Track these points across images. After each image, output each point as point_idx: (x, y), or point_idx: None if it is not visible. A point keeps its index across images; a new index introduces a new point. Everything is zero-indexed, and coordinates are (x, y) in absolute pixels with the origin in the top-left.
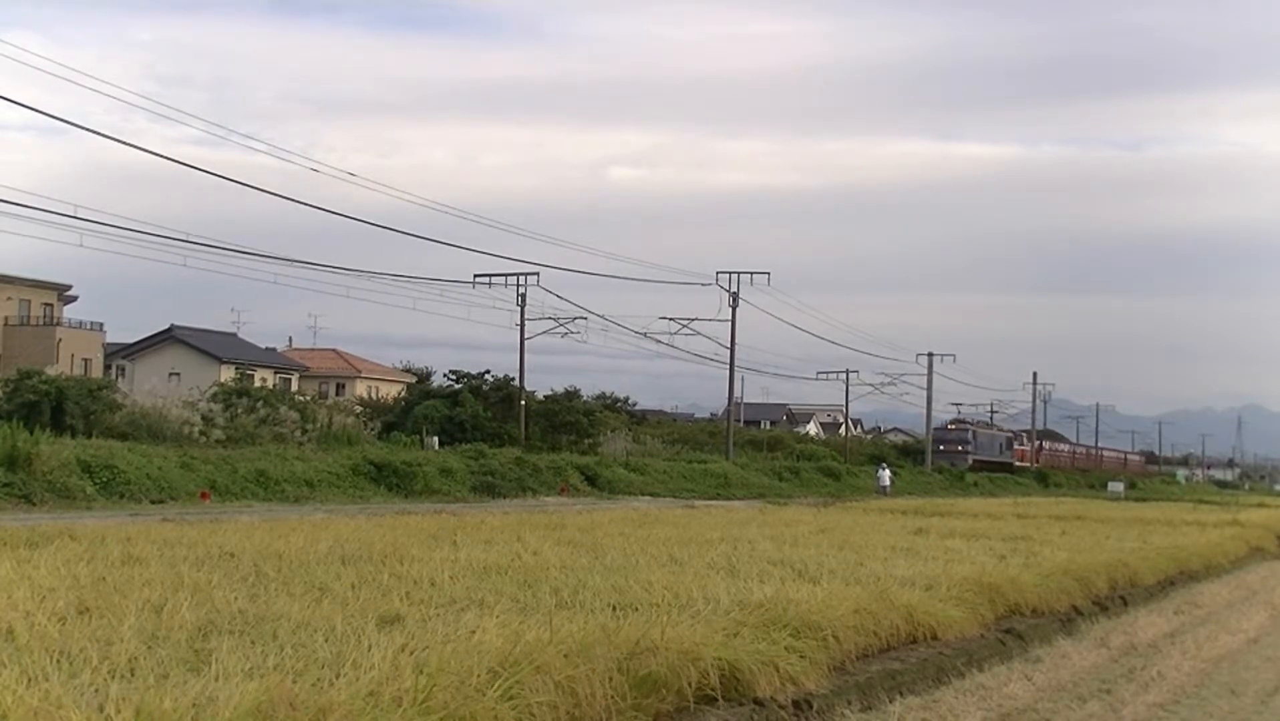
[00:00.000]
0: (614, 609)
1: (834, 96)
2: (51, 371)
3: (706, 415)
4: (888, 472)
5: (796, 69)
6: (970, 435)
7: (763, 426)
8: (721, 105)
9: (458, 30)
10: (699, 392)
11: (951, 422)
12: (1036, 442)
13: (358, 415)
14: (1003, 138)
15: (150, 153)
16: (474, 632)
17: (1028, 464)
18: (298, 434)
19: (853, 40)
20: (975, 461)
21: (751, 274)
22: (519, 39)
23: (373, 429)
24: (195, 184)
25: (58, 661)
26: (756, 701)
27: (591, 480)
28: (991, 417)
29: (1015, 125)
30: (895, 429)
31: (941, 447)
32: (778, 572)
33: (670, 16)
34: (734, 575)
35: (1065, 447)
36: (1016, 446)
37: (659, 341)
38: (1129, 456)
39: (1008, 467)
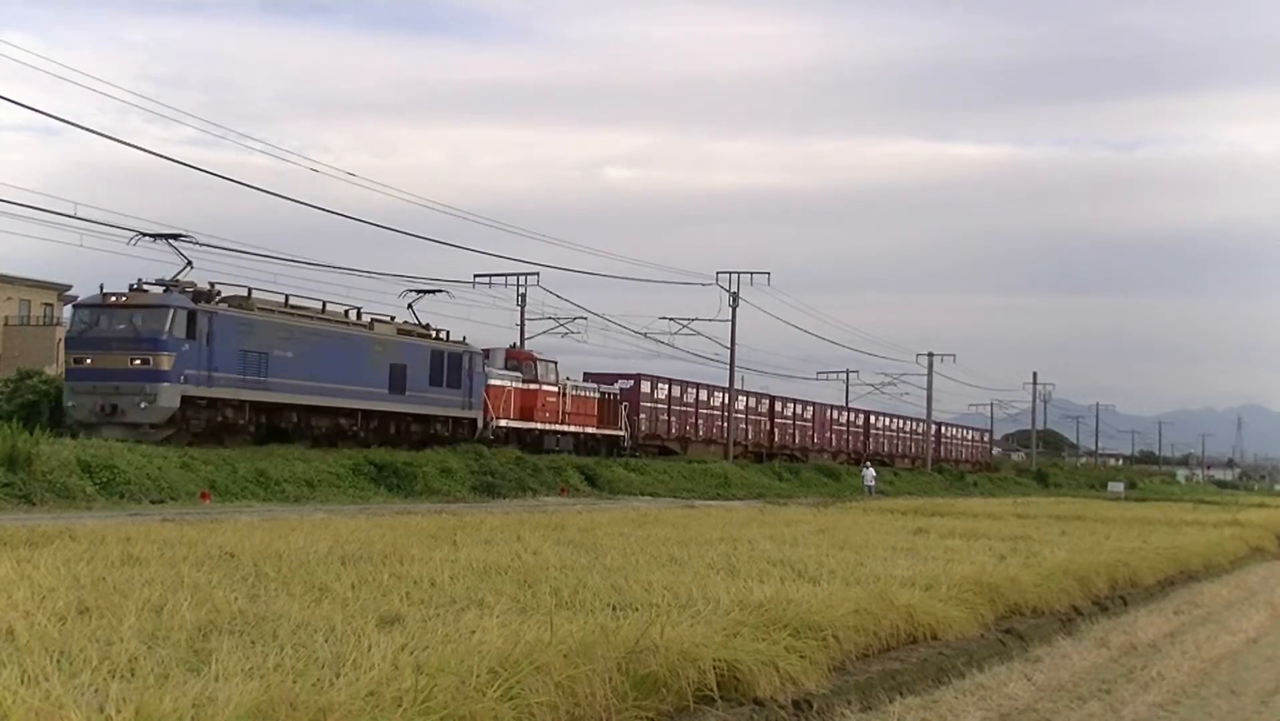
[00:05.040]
0: (614, 609)
1: (828, 98)
2: (51, 371)
3: None
4: (872, 471)
5: (790, 70)
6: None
7: None
8: (716, 106)
9: (451, 31)
10: None
11: (122, 295)
12: (621, 384)
13: None
14: (997, 138)
15: (150, 152)
16: (474, 632)
17: (563, 428)
18: None
19: (847, 42)
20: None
21: (751, 274)
22: (511, 40)
23: None
24: (193, 184)
25: (58, 661)
26: (756, 701)
27: (591, 480)
28: (992, 419)
29: (1010, 126)
30: None
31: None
32: (777, 572)
33: (663, 18)
34: (734, 575)
35: (710, 398)
36: (508, 383)
37: (659, 341)
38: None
39: (446, 436)
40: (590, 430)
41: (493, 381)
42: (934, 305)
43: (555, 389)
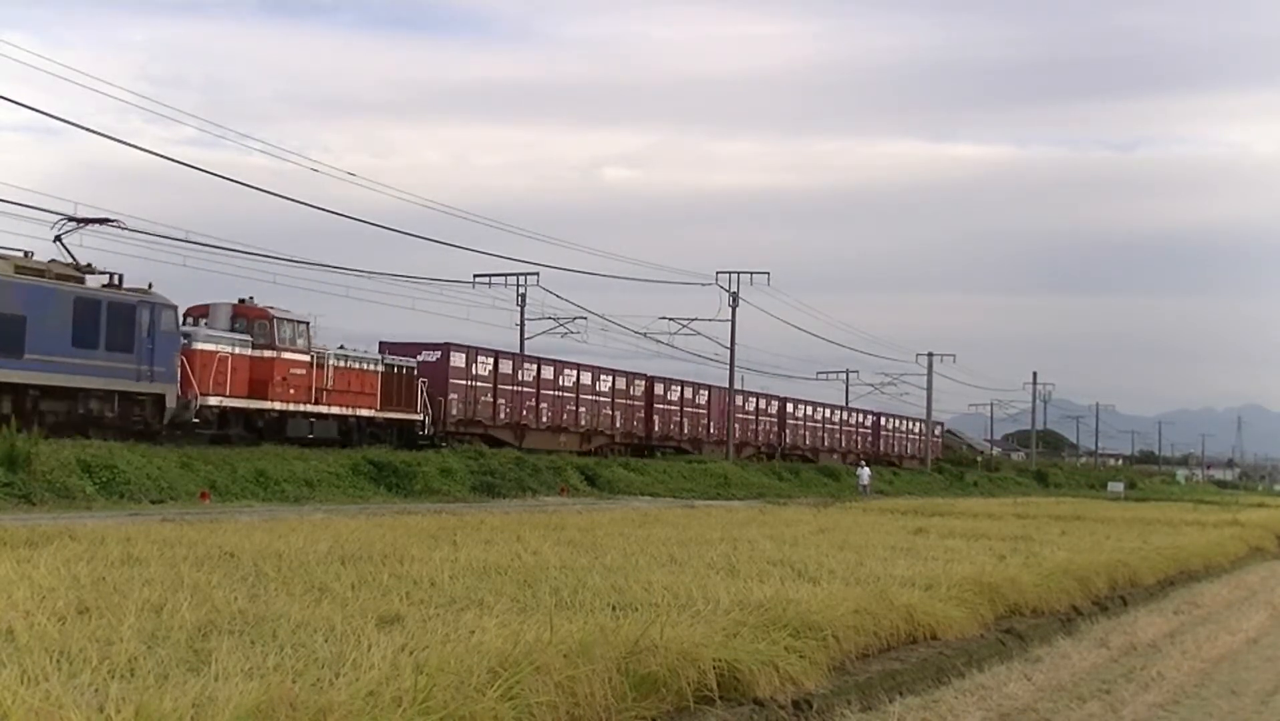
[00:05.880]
0: (614, 609)
1: (828, 98)
2: None
3: None
4: (867, 471)
5: (790, 70)
6: None
7: None
8: (715, 106)
9: (451, 31)
10: None
11: None
12: (425, 355)
13: None
14: (997, 138)
15: (150, 152)
16: (474, 632)
17: (321, 409)
18: None
19: (846, 42)
20: None
21: (751, 274)
22: (511, 40)
23: None
24: (193, 184)
25: (58, 661)
26: (756, 701)
27: (591, 480)
28: (991, 419)
29: (1009, 126)
30: None
31: None
32: (777, 572)
33: (663, 18)
34: (734, 575)
35: (559, 377)
36: (225, 347)
37: (659, 341)
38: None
39: None
40: (367, 413)
41: (199, 345)
42: (934, 305)
43: (305, 357)
